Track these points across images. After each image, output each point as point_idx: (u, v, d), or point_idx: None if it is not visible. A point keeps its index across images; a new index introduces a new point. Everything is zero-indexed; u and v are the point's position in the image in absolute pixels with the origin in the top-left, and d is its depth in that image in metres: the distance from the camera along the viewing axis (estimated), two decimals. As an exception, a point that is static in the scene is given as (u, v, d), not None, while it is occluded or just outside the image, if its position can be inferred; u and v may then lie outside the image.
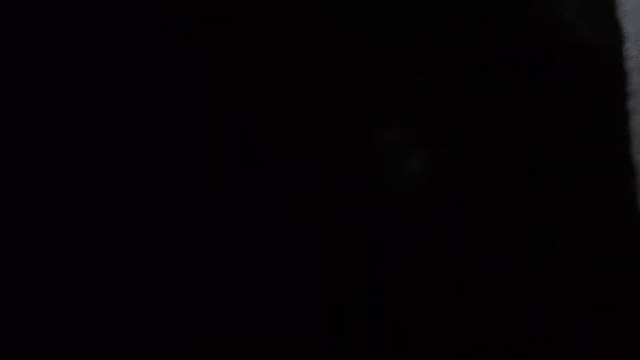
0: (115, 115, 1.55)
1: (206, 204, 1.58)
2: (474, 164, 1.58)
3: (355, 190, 1.68)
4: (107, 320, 1.51)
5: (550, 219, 1.57)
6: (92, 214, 1.53)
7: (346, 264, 1.64)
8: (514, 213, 1.58)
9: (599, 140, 1.51)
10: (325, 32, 1.71)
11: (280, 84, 1.67)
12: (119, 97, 1.55)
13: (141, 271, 1.54)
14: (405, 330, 1.63)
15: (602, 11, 1.54)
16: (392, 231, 1.69)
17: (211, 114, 1.60)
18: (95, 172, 1.52)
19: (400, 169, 1.66)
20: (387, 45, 1.67)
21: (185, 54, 1.58)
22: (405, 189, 1.66)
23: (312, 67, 1.71)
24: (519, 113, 1.53)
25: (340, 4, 1.68)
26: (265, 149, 1.63)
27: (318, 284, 1.62)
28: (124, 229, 1.54)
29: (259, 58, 1.64)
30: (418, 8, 1.61)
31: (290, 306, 1.60)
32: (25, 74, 1.51)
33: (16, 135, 1.50)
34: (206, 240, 1.57)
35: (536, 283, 1.61)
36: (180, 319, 1.53)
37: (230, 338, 1.54)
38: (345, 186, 1.67)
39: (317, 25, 1.72)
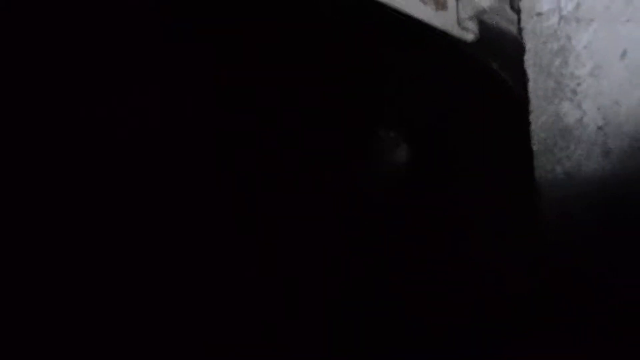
0: (115, 115, 1.44)
1: (206, 203, 1.51)
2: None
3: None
4: (107, 320, 1.42)
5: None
6: (92, 214, 1.43)
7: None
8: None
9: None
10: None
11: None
12: (119, 96, 1.45)
13: (141, 271, 1.44)
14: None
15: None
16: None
17: (211, 113, 1.55)
18: (95, 171, 1.42)
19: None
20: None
21: (185, 54, 1.50)
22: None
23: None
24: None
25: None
26: (264, 149, 1.61)
27: (318, 283, 1.55)
28: (124, 228, 1.43)
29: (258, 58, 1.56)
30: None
31: (291, 306, 1.53)
32: (25, 74, 1.40)
33: (16, 135, 1.37)
34: (206, 238, 1.49)
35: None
36: (181, 319, 1.46)
37: (231, 338, 1.48)
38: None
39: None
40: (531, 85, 1.78)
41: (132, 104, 1.59)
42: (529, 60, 1.77)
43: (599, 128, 1.68)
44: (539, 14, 1.75)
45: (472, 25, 1.97)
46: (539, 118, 1.77)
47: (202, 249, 1.62)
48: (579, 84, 1.71)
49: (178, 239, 1.60)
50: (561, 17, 1.72)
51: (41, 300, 1.45)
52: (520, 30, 1.80)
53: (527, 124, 1.81)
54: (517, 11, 1.83)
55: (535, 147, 1.79)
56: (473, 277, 1.93)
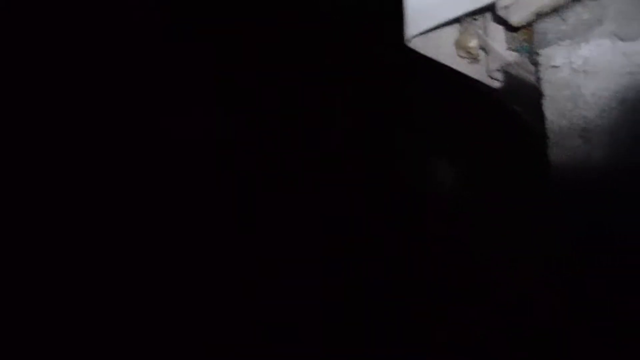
0: (115, 115, 1.32)
1: (207, 203, 1.43)
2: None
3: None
4: (107, 320, 1.29)
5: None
6: (92, 213, 1.27)
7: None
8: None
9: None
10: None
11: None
12: (119, 96, 1.32)
13: (142, 271, 1.32)
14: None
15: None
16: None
17: (211, 112, 1.47)
18: (95, 171, 1.28)
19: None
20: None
21: (185, 54, 1.40)
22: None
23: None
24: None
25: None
26: (263, 148, 1.52)
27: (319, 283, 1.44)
28: (124, 227, 1.28)
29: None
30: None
31: (292, 305, 1.43)
32: (25, 74, 1.26)
33: (16, 135, 1.22)
34: (207, 238, 1.38)
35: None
36: (182, 319, 1.36)
37: (233, 338, 1.37)
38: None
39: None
40: (548, 125, 2.19)
41: (132, 103, 1.58)
42: (546, 104, 2.19)
43: (605, 158, 2.08)
44: (554, 67, 2.17)
45: (499, 76, 2.41)
46: (556, 152, 2.18)
47: (202, 249, 1.67)
48: (587, 124, 2.11)
49: (179, 239, 1.63)
50: (572, 70, 2.14)
51: (41, 300, 1.42)
52: (538, 80, 2.22)
53: (546, 156, 2.21)
54: (536, 64, 2.25)
55: (553, 178, 2.19)
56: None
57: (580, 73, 2.12)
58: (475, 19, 2.30)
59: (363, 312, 1.96)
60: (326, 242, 2.02)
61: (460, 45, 2.35)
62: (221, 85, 2.00)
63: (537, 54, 2.20)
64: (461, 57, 2.37)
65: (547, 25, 2.14)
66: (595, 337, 2.00)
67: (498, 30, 2.29)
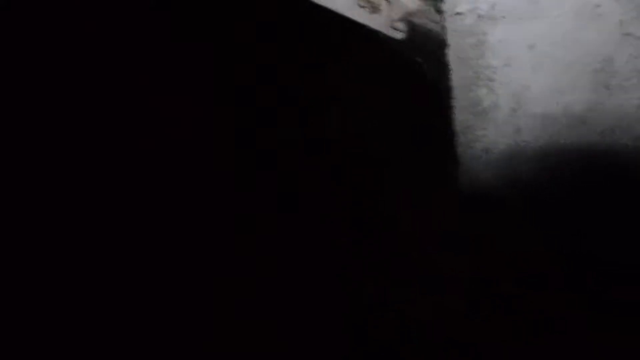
0: (115, 115, 1.45)
1: (209, 205, 1.51)
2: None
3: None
4: (107, 320, 1.41)
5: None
6: (92, 214, 1.42)
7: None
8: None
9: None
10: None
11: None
12: (119, 96, 1.46)
13: (144, 271, 1.43)
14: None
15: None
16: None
17: (211, 112, 1.55)
18: (95, 171, 1.42)
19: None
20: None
21: (185, 54, 1.49)
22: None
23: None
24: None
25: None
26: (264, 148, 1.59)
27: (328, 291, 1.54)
28: (124, 227, 1.43)
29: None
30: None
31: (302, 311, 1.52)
32: (25, 74, 1.40)
33: (16, 135, 1.37)
34: (213, 241, 1.49)
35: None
36: (182, 319, 1.45)
37: (236, 339, 1.46)
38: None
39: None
40: (453, 76, 2.05)
41: (132, 103, 1.61)
42: (450, 54, 2.04)
43: (512, 110, 1.96)
44: (459, 14, 2.03)
45: (402, 26, 2.24)
46: (460, 103, 2.04)
47: (202, 249, 1.66)
48: (494, 73, 1.99)
49: (178, 239, 1.63)
50: (478, 16, 2.00)
51: (41, 300, 1.47)
52: (442, 28, 2.08)
53: (449, 109, 2.07)
54: (440, 12, 2.10)
55: (457, 129, 2.04)
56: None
57: (486, 19, 1.99)
58: (376, -37, 2.12)
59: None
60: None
61: (360, -7, 2.16)
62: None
63: (442, 0, 2.05)
64: (361, 6, 2.18)
65: (453, -33, 1.99)
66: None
67: (400, -24, 2.12)
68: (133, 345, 1.54)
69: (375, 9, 2.22)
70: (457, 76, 2.04)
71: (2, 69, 1.41)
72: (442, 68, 2.10)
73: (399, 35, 2.22)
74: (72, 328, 1.49)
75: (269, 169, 1.94)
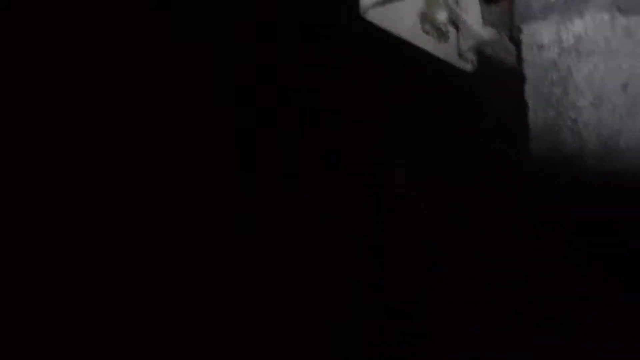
0: (115, 115, 1.40)
1: (208, 204, 1.48)
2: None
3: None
4: (107, 320, 1.39)
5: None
6: (92, 214, 1.39)
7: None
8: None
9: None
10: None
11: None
12: (119, 97, 1.41)
13: (144, 271, 1.41)
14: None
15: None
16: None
17: (211, 112, 1.51)
18: (95, 171, 1.39)
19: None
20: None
21: (185, 54, 1.44)
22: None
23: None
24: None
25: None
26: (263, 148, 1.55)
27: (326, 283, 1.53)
28: (125, 228, 1.40)
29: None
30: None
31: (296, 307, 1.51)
32: (25, 74, 1.37)
33: (16, 135, 1.33)
34: (207, 238, 1.46)
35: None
36: (189, 322, 1.45)
37: (234, 339, 1.45)
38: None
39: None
40: (531, 115, 1.82)
41: (132, 104, 1.60)
42: (528, 90, 1.81)
43: (600, 157, 1.72)
44: (540, 46, 1.79)
45: (472, 56, 2.01)
46: (539, 147, 1.80)
47: (202, 249, 1.63)
48: (580, 114, 1.75)
49: (178, 239, 1.60)
50: (561, 49, 1.77)
51: (41, 300, 1.45)
52: (520, 61, 1.84)
53: (525, 153, 1.84)
54: (517, 43, 1.86)
55: (534, 177, 1.82)
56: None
57: (571, 53, 1.75)
58: (444, -13, 1.91)
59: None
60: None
61: (426, 19, 1.95)
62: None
63: (519, 30, 1.82)
64: (427, 32, 1.96)
65: (532, -5, 1.75)
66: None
67: (472, 2, 1.90)
68: (133, 345, 1.51)
69: (442, 37, 2.00)
70: (536, 116, 1.80)
71: (2, 69, 1.41)
72: (517, 105, 1.86)
73: (468, 67, 2.00)
74: (73, 327, 1.48)
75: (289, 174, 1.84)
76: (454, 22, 1.95)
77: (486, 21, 1.92)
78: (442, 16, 1.96)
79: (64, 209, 1.55)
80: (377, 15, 1.94)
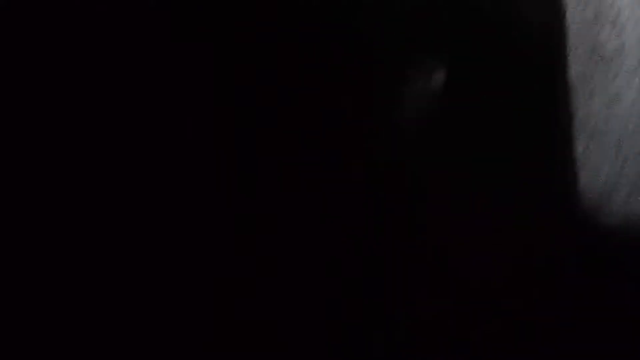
0: (115, 117, 1.53)
1: (207, 204, 1.59)
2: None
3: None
4: (107, 320, 1.48)
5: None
6: (91, 214, 1.50)
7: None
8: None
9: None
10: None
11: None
12: (119, 97, 1.53)
13: (144, 271, 1.52)
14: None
15: None
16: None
17: (211, 113, 1.61)
18: (94, 171, 1.51)
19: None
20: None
21: (185, 54, 1.56)
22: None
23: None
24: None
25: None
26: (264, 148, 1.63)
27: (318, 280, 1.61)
28: (125, 230, 1.52)
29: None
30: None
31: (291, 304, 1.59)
32: (25, 74, 1.47)
33: (16, 136, 1.45)
34: (207, 238, 1.58)
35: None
36: (180, 319, 1.54)
37: (231, 338, 1.55)
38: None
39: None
40: (569, 16, 1.77)
41: (132, 105, 1.59)
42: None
43: (641, 57, 1.69)
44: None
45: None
46: (577, 49, 1.76)
47: (202, 249, 1.65)
48: (619, 14, 1.71)
49: (178, 239, 1.61)
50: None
51: (41, 300, 1.49)
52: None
53: (563, 55, 1.79)
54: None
55: (572, 80, 1.78)
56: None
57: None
58: None
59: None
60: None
61: None
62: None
63: None
64: None
65: None
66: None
67: None
68: (133, 345, 1.55)
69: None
70: (573, 17, 1.75)
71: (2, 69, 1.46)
72: (553, 7, 1.81)
73: None
74: (71, 327, 1.50)
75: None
76: None
77: None
78: None
79: (63, 209, 1.55)
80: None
